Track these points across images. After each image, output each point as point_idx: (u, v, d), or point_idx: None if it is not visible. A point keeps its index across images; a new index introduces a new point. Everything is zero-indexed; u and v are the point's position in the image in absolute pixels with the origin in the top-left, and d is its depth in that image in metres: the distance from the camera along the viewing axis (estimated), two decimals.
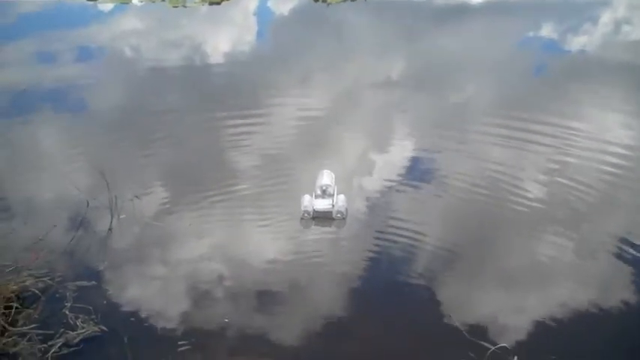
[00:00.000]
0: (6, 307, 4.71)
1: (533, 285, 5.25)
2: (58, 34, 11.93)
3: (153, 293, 5.15)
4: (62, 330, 4.65)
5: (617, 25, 12.83)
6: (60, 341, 4.56)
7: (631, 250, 5.59)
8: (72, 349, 4.54)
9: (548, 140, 7.44)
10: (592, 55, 11.15)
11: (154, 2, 14.03)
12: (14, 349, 4.50)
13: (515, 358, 4.43)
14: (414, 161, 7.15)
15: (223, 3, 13.93)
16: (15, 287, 4.87)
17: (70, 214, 6.10)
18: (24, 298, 4.94)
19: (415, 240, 5.72)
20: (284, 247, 5.68)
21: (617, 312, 4.93)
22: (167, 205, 6.28)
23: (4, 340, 4.52)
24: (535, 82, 9.75)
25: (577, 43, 11.81)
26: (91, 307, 4.85)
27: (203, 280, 5.28)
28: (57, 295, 5.01)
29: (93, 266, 5.42)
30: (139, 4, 14.14)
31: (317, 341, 4.68)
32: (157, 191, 6.53)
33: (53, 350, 4.48)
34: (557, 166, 6.93)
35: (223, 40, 11.93)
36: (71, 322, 4.73)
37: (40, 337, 4.60)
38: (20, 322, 4.72)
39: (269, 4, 14.84)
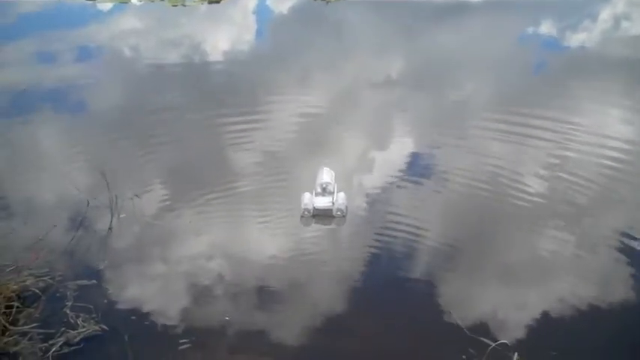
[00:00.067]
0: (7, 307, 4.72)
1: (534, 281, 5.24)
2: (57, 34, 11.95)
3: (153, 292, 5.15)
4: (63, 329, 4.65)
5: (616, 21, 12.83)
6: (61, 340, 4.56)
7: (632, 245, 5.57)
8: (73, 348, 4.55)
9: (548, 135, 7.44)
10: (591, 51, 11.16)
11: (153, 1, 14.03)
12: (15, 348, 4.50)
13: (516, 354, 4.41)
14: (414, 158, 7.15)
15: (222, 2, 13.93)
16: (16, 287, 4.88)
17: (71, 214, 6.10)
18: (25, 298, 4.94)
19: (415, 236, 5.72)
20: (284, 244, 5.68)
21: (617, 307, 4.92)
22: (167, 204, 6.27)
23: (5, 340, 4.53)
24: (535, 78, 9.76)
25: (576, 39, 11.82)
26: (91, 306, 4.86)
27: (203, 278, 5.28)
28: (57, 295, 5.01)
29: (93, 265, 5.42)
30: (138, 3, 14.14)
31: (317, 338, 4.67)
32: (156, 190, 6.53)
33: (54, 349, 4.49)
34: (557, 161, 6.92)
35: (223, 38, 11.93)
36: (72, 321, 4.73)
37: (40, 336, 4.61)
38: (21, 322, 4.73)
39: (268, 2, 14.87)
